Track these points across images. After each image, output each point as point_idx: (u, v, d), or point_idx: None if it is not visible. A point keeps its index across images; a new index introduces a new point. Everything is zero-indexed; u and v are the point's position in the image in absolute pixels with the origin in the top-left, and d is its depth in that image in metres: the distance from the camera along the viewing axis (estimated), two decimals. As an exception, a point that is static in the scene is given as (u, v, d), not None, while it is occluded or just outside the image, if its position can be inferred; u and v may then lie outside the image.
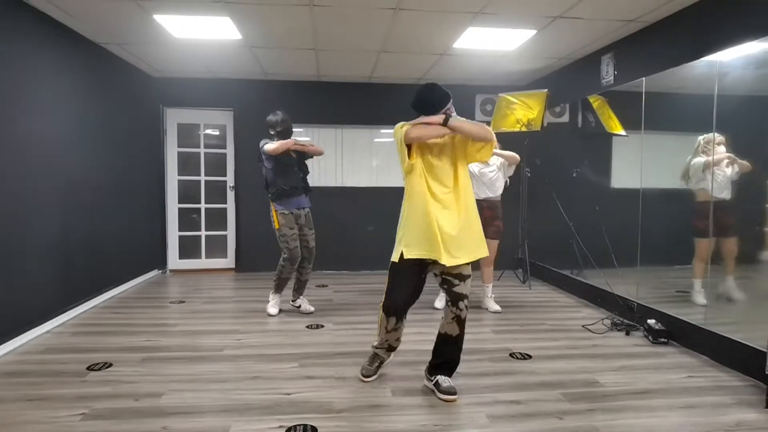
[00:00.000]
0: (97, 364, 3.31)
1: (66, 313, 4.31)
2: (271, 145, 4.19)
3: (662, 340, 3.80)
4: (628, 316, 4.30)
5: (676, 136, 4.11)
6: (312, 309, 4.59)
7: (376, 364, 3.10)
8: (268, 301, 4.57)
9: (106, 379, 3.09)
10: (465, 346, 3.64)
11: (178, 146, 6.46)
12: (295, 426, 2.51)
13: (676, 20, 3.89)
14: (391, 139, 6.87)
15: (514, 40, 4.55)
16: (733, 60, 3.32)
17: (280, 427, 2.51)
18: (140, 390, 2.93)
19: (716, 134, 3.49)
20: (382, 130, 6.76)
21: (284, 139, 4.34)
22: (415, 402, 2.80)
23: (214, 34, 4.42)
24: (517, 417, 2.63)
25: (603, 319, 4.34)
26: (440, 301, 4.80)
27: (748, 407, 2.74)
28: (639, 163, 4.28)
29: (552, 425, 2.54)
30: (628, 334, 4.02)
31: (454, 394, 2.83)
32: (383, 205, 6.36)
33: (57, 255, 4.21)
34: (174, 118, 6.41)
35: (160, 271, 6.41)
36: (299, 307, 4.59)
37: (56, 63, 4.19)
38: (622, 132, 4.96)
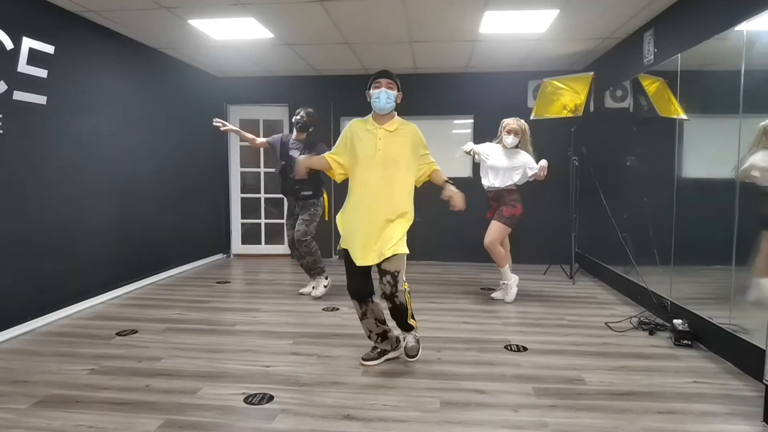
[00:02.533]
0: (126, 330, 3.77)
1: (124, 287, 4.91)
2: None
3: (685, 342, 3.45)
4: (662, 315, 3.95)
5: (713, 119, 3.67)
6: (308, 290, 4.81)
7: (377, 351, 3.15)
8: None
9: (126, 343, 3.51)
10: (463, 335, 3.67)
11: (240, 141, 6.95)
12: (255, 394, 2.70)
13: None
14: (439, 130, 6.83)
15: (540, 22, 4.34)
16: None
17: (243, 393, 2.71)
18: (146, 354, 3.30)
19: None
20: (430, 120, 6.74)
21: (300, 131, 4.69)
22: (379, 383, 2.85)
23: (247, 34, 4.74)
24: (471, 406, 2.58)
25: (631, 318, 4.02)
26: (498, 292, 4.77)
27: (742, 418, 2.44)
28: (675, 150, 3.89)
29: (500, 416, 2.47)
30: (651, 333, 3.70)
31: (411, 356, 3.14)
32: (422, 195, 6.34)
33: (120, 238, 4.82)
34: (236, 114, 6.92)
35: (224, 255, 6.99)
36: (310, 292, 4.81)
37: (115, 66, 4.78)
38: (683, 116, 4.51)
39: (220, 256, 6.93)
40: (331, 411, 2.52)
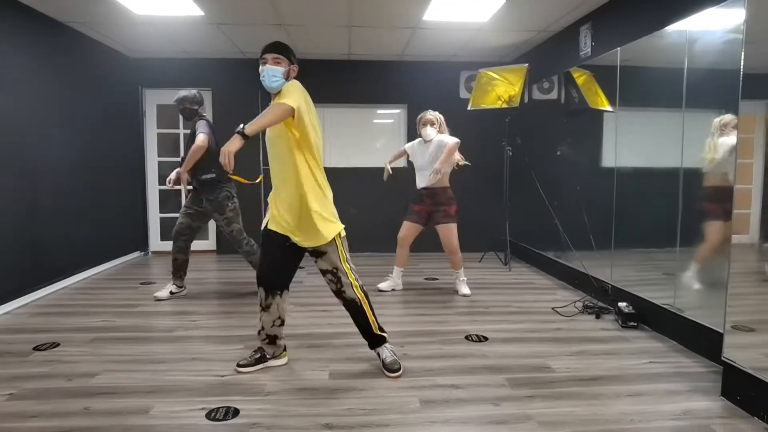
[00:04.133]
0: (45, 344, 3.28)
1: (32, 293, 4.31)
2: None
3: (632, 324, 3.62)
4: (603, 299, 4.13)
5: (648, 112, 3.88)
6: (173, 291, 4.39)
7: (256, 356, 2.89)
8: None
9: (48, 359, 3.05)
10: (421, 328, 3.60)
11: (158, 127, 6.39)
12: (217, 408, 2.44)
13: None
14: (375, 120, 6.72)
15: (485, 11, 4.34)
16: (703, 28, 3.08)
17: (203, 408, 2.43)
18: (76, 370, 2.88)
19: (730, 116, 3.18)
20: (364, 109, 6.61)
21: (187, 118, 4.33)
22: (350, 385, 2.69)
23: (175, 10, 4.31)
24: (451, 402, 2.51)
25: (575, 302, 4.18)
26: (384, 283, 4.68)
27: (702, 395, 2.58)
28: (613, 141, 4.06)
29: (484, 411, 2.41)
30: (598, 317, 3.86)
31: (393, 371, 2.80)
32: (359, 186, 6.25)
33: (24, 237, 4.19)
34: (153, 98, 6.34)
35: (141, 253, 6.40)
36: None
37: (17, 42, 4.13)
38: (609, 108, 4.73)
39: (137, 254, 6.33)
40: (308, 421, 2.33)
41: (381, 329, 2.88)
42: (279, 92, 2.61)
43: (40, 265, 4.44)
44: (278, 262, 2.78)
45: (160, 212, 6.50)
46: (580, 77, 4.99)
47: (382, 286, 4.63)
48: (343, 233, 2.78)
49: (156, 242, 6.51)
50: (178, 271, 4.35)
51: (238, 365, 2.87)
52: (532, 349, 3.20)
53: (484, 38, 5.25)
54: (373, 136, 6.64)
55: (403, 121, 6.57)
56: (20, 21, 4.18)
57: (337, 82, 6.36)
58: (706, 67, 3.09)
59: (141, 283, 4.96)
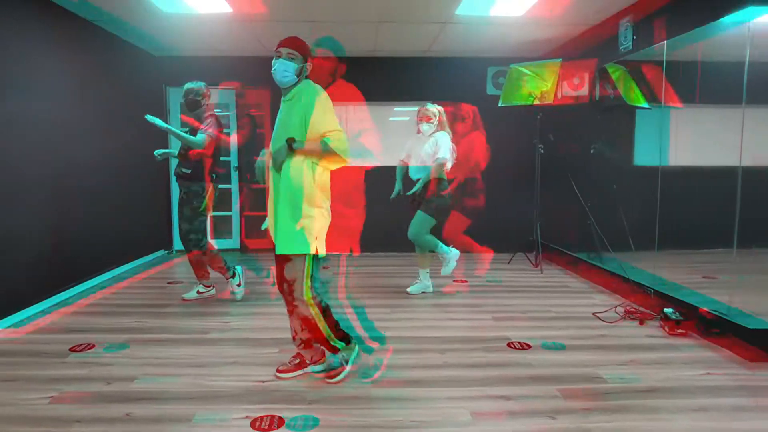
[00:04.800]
0: (80, 345, 3.24)
1: (63, 293, 4.27)
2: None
3: (680, 331, 3.49)
4: (645, 303, 3.99)
5: (700, 108, 3.74)
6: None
7: (296, 362, 2.84)
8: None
9: (85, 361, 3.00)
10: (460, 334, 3.49)
11: (182, 127, 6.33)
12: (261, 417, 2.36)
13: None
14: (396, 118, 6.60)
15: (521, 4, 4.20)
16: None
17: (246, 417, 2.36)
18: (114, 373, 2.82)
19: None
20: (393, 108, 6.51)
21: (190, 109, 4.22)
22: (395, 394, 2.60)
23: (204, 7, 4.23)
24: (504, 415, 2.41)
25: (616, 307, 4.04)
26: (413, 286, 4.53)
27: None
28: (657, 139, 3.92)
29: (541, 425, 2.31)
30: (642, 323, 3.72)
31: (324, 374, 2.77)
32: (387, 185, 6.13)
33: (52, 235, 4.15)
34: (178, 97, 6.27)
35: (166, 251, 6.36)
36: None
37: (43, 40, 4.08)
38: (645, 104, 4.59)
39: (161, 252, 6.30)
40: (357, 433, 2.24)
41: (338, 339, 2.72)
42: (293, 90, 2.55)
43: (71, 264, 4.40)
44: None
45: (185, 211, 6.43)
46: (615, 72, 4.84)
47: (411, 290, 4.51)
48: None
49: (179, 241, 6.44)
50: (198, 270, 4.27)
51: (278, 371, 2.80)
52: (579, 358, 3.09)
53: (515, 33, 5.12)
54: (388, 134, 6.52)
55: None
56: (48, 19, 4.14)
57: (361, 79, 6.25)
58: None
59: (168, 283, 4.92)
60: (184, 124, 4.18)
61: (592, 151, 5.13)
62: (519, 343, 3.32)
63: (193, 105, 4.14)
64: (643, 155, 4.54)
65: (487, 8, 4.28)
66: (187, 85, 4.14)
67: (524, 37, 5.27)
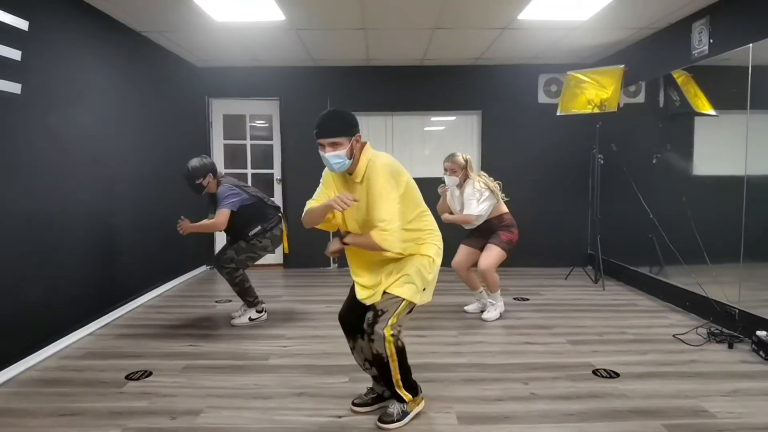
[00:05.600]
0: (136, 372, 3.08)
1: (111, 313, 4.15)
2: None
3: (777, 356, 3.20)
4: (728, 324, 3.70)
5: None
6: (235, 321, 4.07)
7: (373, 395, 2.63)
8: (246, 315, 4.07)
9: (144, 390, 2.84)
10: (539, 360, 3.24)
11: (224, 138, 6.24)
12: (345, 459, 2.15)
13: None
14: (442, 127, 6.40)
15: (589, 7, 3.98)
16: None
17: (329, 459, 2.16)
18: (178, 406, 2.65)
19: None
20: (435, 117, 6.31)
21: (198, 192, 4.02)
22: (485, 430, 2.37)
23: (257, 15, 4.10)
24: (613, 457, 2.16)
25: (697, 328, 3.76)
26: (471, 306, 4.34)
27: None
28: (744, 147, 3.63)
29: (659, 470, 2.06)
30: (731, 347, 3.43)
31: (382, 422, 2.42)
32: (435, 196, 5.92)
33: (100, 252, 4.04)
34: (219, 108, 6.19)
35: (208, 267, 6.24)
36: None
37: (96, 51, 3.99)
38: (712, 111, 4.31)
39: (203, 268, 6.17)
40: (457, 479, 2.02)
41: (406, 388, 2.46)
42: (358, 171, 2.36)
43: (118, 283, 4.29)
44: (351, 305, 2.57)
45: (227, 225, 6.31)
46: (678, 77, 4.58)
47: (469, 308, 4.30)
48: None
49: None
50: (244, 297, 4.07)
51: (354, 404, 2.59)
52: (677, 387, 2.82)
53: (574, 39, 4.88)
54: (425, 144, 6.32)
55: (477, 127, 6.23)
56: (98, 30, 4.05)
57: (409, 88, 6.08)
58: None
59: (216, 301, 4.76)
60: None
61: (654, 161, 4.86)
62: (605, 370, 3.07)
63: (199, 189, 3.94)
64: (714, 163, 4.26)
65: (552, 12, 4.06)
66: (189, 166, 3.89)
67: (582, 42, 5.03)
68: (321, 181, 2.57)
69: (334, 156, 2.29)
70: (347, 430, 2.41)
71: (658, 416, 2.49)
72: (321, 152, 2.33)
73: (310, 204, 2.50)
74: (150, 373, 3.07)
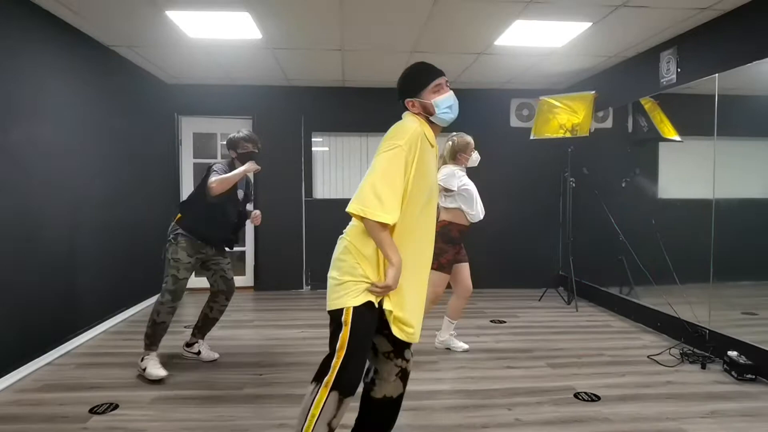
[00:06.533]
0: (101, 405, 2.89)
1: (71, 341, 3.91)
2: (217, 179, 3.19)
3: (749, 376, 3.26)
4: (699, 344, 3.77)
5: (749, 141, 3.62)
6: (216, 356, 3.67)
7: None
8: (143, 363, 3.32)
9: (110, 425, 2.66)
10: (520, 385, 3.22)
11: (194, 157, 6.08)
12: (332, 497, 2.04)
13: (755, 8, 3.39)
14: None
15: (564, 35, 4.08)
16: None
17: (315, 497, 2.04)
18: (149, 442, 2.49)
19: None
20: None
21: (244, 163, 3.38)
22: (475, 462, 2.32)
23: (232, 33, 4.03)
24: (604, 485, 2.13)
25: (670, 349, 3.82)
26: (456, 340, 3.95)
27: None
28: (711, 171, 3.76)
29: (651, 498, 2.04)
30: (704, 367, 3.49)
31: None
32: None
33: (61, 276, 3.82)
34: (189, 127, 6.04)
35: (174, 290, 6.00)
36: (198, 353, 3.66)
37: (61, 66, 3.83)
38: (677, 137, 4.47)
39: (169, 291, 5.93)
40: None
41: None
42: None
43: (79, 308, 4.05)
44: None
45: (195, 246, 6.12)
46: (645, 104, 4.75)
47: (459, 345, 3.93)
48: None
49: (191, 279, 6.11)
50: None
51: None
52: (657, 410, 2.83)
53: (547, 65, 5.00)
54: None
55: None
56: (64, 43, 3.89)
57: (384, 110, 6.07)
58: None
59: (185, 327, 4.57)
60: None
61: (623, 185, 4.99)
62: (586, 393, 3.06)
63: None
64: (682, 187, 4.41)
65: (528, 39, 4.14)
66: (248, 133, 3.51)
67: (554, 68, 5.15)
68: (401, 153, 1.86)
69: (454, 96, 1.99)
70: (331, 463, 2.30)
71: (644, 441, 2.49)
72: (437, 97, 1.97)
73: (385, 218, 1.80)
74: (116, 406, 2.89)
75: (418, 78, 2.02)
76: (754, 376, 3.26)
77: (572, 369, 3.48)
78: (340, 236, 2.03)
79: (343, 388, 1.88)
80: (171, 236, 3.40)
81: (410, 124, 1.94)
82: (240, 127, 5.86)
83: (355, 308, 1.86)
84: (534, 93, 5.76)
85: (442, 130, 2.09)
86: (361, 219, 1.84)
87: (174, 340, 4.22)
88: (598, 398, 3.00)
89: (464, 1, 3.43)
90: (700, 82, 3.85)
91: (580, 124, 5.13)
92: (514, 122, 6.11)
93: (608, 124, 5.42)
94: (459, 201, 3.59)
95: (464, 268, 3.77)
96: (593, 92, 5.05)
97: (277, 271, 6.03)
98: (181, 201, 3.48)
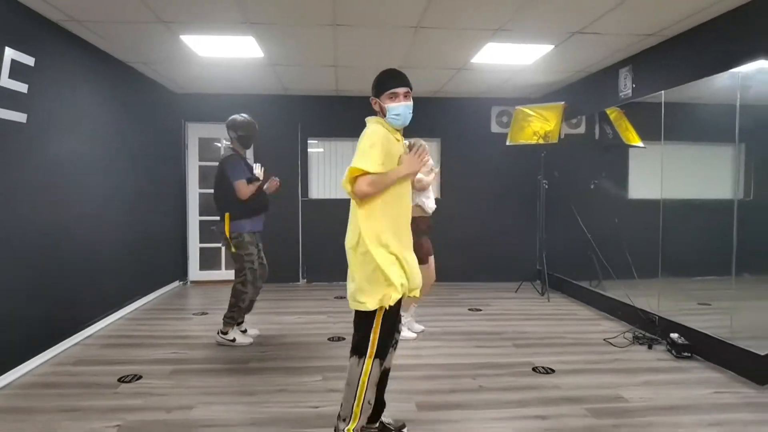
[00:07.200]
0: (128, 376, 3.39)
1: (94, 324, 4.41)
2: (247, 188, 3.89)
3: (686, 354, 3.78)
4: (650, 329, 4.29)
5: (695, 146, 4.15)
6: (257, 331, 4.29)
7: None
8: (229, 335, 4.04)
9: (137, 391, 3.16)
10: (487, 360, 3.74)
11: (199, 160, 6.58)
12: (323, 439, 2.56)
13: (696, 34, 3.91)
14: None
15: (531, 55, 4.60)
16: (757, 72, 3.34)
17: (309, 440, 2.56)
18: (171, 402, 2.99)
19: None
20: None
21: (244, 145, 4.11)
22: (441, 417, 2.83)
23: (238, 53, 4.54)
24: (544, 432, 2.65)
25: (624, 333, 4.34)
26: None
27: (777, 425, 2.73)
28: (659, 174, 4.28)
29: (578, 441, 2.56)
30: (650, 348, 4.01)
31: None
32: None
33: (87, 269, 4.31)
34: (195, 132, 6.54)
35: (181, 283, 6.51)
36: (245, 331, 4.19)
37: (89, 83, 4.34)
38: (640, 144, 4.98)
39: (176, 284, 6.44)
40: (416, 451, 2.46)
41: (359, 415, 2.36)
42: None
43: (95, 299, 4.50)
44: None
45: (200, 242, 6.63)
46: (612, 113, 5.26)
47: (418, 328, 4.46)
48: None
49: (195, 272, 6.63)
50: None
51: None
52: (600, 380, 3.35)
53: (521, 78, 5.51)
54: None
55: (436, 153, 6.78)
56: (93, 63, 4.39)
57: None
58: (760, 101, 3.34)
59: (194, 314, 5.07)
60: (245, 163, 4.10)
61: (592, 186, 5.50)
62: (543, 367, 3.58)
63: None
64: (640, 188, 4.92)
65: (501, 57, 4.65)
66: (248, 118, 4.14)
67: (529, 81, 5.67)
68: (378, 146, 2.33)
69: (409, 107, 2.40)
70: (323, 417, 2.81)
71: (583, 402, 3.00)
72: (390, 103, 2.37)
73: (375, 170, 2.28)
74: (140, 377, 3.39)
75: (381, 83, 2.43)
76: (690, 354, 3.78)
77: (534, 348, 4.00)
78: (350, 248, 2.42)
79: (381, 354, 2.37)
80: (234, 235, 3.93)
81: (372, 127, 2.43)
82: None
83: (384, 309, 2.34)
84: (513, 102, 6.27)
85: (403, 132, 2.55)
86: (354, 184, 2.30)
87: (184, 324, 4.73)
88: (553, 371, 3.52)
89: (441, 30, 3.94)
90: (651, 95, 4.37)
91: (551, 131, 5.65)
92: (495, 128, 6.62)
93: (581, 129, 5.94)
94: (416, 198, 4.02)
95: (430, 260, 4.25)
96: (563, 103, 5.57)
97: (276, 265, 6.50)
98: (218, 203, 4.03)
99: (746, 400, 3.04)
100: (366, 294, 2.34)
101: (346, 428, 2.34)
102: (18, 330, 3.42)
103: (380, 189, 2.32)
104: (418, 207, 4.07)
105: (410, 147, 2.59)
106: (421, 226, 4.04)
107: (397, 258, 2.38)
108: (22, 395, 3.10)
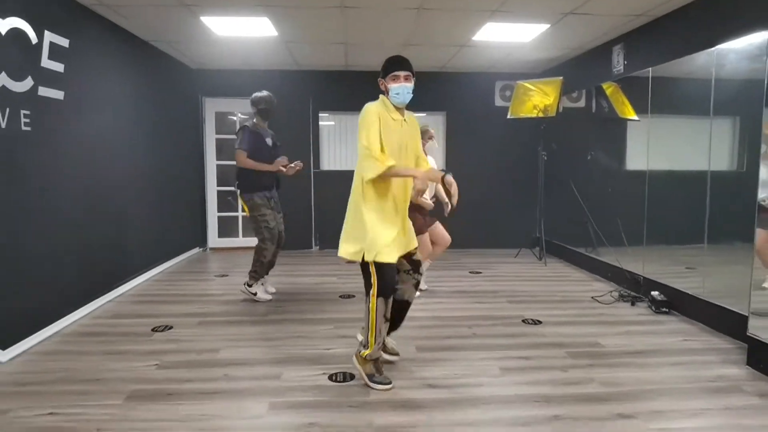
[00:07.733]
0: (160, 326, 3.82)
1: (124, 285, 4.85)
2: (244, 158, 4.28)
3: (664, 309, 4.14)
4: (635, 289, 4.65)
5: (680, 119, 4.42)
6: (274, 290, 4.72)
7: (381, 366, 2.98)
8: (252, 289, 4.50)
9: (169, 338, 3.59)
10: (483, 313, 4.13)
11: (216, 133, 6.95)
12: (336, 373, 2.97)
13: (682, 13, 4.16)
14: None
15: (528, 33, 4.86)
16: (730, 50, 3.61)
17: (324, 373, 2.97)
18: (200, 346, 3.42)
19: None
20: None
21: (264, 117, 4.49)
22: (437, 357, 3.23)
23: (253, 32, 4.85)
24: (526, 369, 3.05)
25: (611, 292, 4.70)
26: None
27: (731, 364, 3.10)
28: (646, 146, 4.57)
29: (556, 376, 2.95)
30: (633, 304, 4.38)
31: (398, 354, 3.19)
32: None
33: (117, 234, 4.74)
34: (212, 107, 6.89)
35: (201, 249, 6.95)
36: (263, 284, 4.63)
37: (116, 61, 4.70)
38: (635, 117, 5.25)
39: (196, 250, 6.88)
40: (414, 382, 2.87)
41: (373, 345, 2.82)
42: (404, 111, 2.88)
43: (125, 262, 4.92)
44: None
45: (218, 212, 7.05)
46: (608, 88, 5.51)
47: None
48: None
49: (214, 239, 7.07)
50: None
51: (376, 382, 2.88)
52: (583, 330, 3.73)
53: (521, 54, 5.77)
54: None
55: (442, 126, 7.09)
56: (119, 43, 4.75)
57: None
58: (732, 78, 3.61)
59: (215, 276, 5.51)
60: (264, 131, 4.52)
61: (588, 158, 5.80)
62: (532, 319, 3.97)
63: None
64: (631, 161, 5.21)
65: (500, 35, 4.92)
66: (267, 94, 4.50)
67: (528, 57, 5.93)
68: (370, 123, 2.74)
69: (409, 87, 2.78)
70: (335, 357, 3.22)
71: (564, 347, 3.39)
72: (392, 84, 2.76)
73: (384, 159, 2.70)
74: (171, 327, 3.82)
75: (386, 67, 2.85)
76: (668, 310, 4.14)
77: (526, 304, 4.39)
78: (349, 203, 2.94)
79: (383, 293, 2.78)
80: (246, 198, 4.40)
81: (368, 107, 2.82)
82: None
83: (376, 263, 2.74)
84: (515, 76, 6.53)
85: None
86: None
87: (206, 284, 5.16)
88: (540, 323, 3.90)
89: (442, 11, 4.22)
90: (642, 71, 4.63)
91: (550, 105, 5.92)
92: (498, 102, 6.89)
93: (581, 103, 6.20)
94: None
95: (438, 226, 4.61)
96: (561, 78, 5.82)
97: (290, 233, 6.91)
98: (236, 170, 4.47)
99: (709, 346, 3.41)
100: (347, 243, 2.86)
101: (363, 352, 2.86)
102: (61, 286, 3.85)
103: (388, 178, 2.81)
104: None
105: (449, 183, 2.86)
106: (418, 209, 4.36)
107: (386, 222, 2.81)
108: (70, 341, 3.55)
